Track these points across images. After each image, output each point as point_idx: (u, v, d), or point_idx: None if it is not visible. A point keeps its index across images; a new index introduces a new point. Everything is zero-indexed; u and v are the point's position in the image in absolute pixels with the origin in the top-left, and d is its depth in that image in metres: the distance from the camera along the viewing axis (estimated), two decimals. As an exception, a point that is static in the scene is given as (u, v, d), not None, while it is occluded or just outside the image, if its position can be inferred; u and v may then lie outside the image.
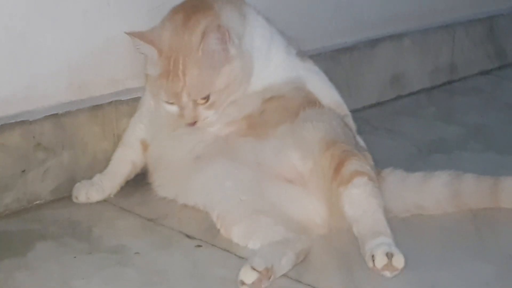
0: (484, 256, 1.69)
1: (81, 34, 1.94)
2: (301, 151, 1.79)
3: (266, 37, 1.89)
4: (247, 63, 1.83)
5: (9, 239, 1.72)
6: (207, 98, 1.77)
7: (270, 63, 1.89)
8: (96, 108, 1.96)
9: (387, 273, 1.57)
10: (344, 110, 1.99)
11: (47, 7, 1.86)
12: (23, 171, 1.84)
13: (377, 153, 1.96)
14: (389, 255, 1.57)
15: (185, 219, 1.81)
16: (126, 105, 2.00)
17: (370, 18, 2.68)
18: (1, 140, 1.79)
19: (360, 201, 1.69)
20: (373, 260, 1.57)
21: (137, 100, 1.97)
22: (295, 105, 1.88)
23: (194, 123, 1.79)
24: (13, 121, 1.82)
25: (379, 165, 1.90)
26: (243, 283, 1.50)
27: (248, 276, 1.50)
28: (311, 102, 1.91)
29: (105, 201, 1.89)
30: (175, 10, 1.83)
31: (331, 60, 2.47)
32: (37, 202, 1.88)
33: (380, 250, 1.58)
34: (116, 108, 1.99)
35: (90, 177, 1.92)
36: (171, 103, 1.79)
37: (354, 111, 2.05)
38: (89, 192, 1.88)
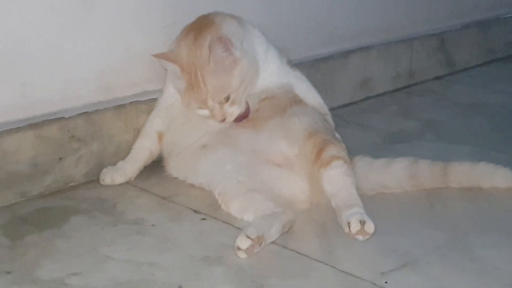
0: (436, 225, 1.69)
1: (107, 46, 1.93)
2: (288, 140, 1.79)
3: (263, 46, 1.88)
4: (252, 60, 1.81)
5: (49, 213, 1.71)
6: (228, 97, 1.76)
7: (267, 69, 1.88)
8: (119, 107, 1.95)
9: (360, 237, 1.58)
10: (325, 110, 1.98)
11: (79, 24, 1.85)
12: (60, 158, 1.83)
13: (350, 142, 1.95)
14: (362, 222, 1.58)
15: (192, 197, 1.80)
16: (144, 104, 1.98)
17: (343, 33, 2.67)
18: (42, 133, 1.78)
19: (337, 179, 1.69)
20: (349, 226, 1.58)
21: (153, 100, 1.96)
22: (284, 103, 1.87)
23: (224, 120, 1.78)
24: (52, 117, 1.82)
25: (351, 152, 1.88)
26: (239, 248, 1.50)
27: (243, 242, 1.50)
28: (297, 101, 1.90)
29: (127, 183, 1.88)
30: (187, 30, 1.81)
31: (311, 67, 2.45)
32: (72, 184, 1.87)
33: (355, 218, 1.59)
34: (136, 107, 1.97)
35: (115, 164, 1.90)
36: (201, 108, 1.78)
37: (330, 109, 2.04)
38: (114, 176, 1.87)
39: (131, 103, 1.97)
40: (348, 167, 1.73)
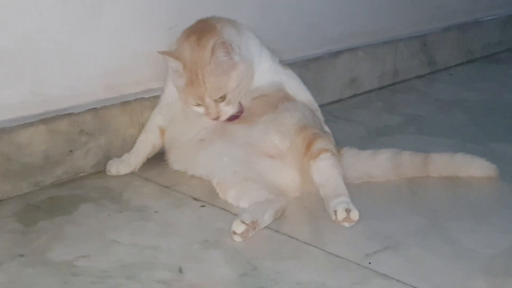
0: (417, 211, 1.69)
1: (114, 46, 1.92)
2: (281, 133, 1.78)
3: (257, 47, 1.87)
4: (249, 65, 1.80)
5: (60, 201, 1.71)
6: (224, 97, 1.75)
7: (260, 68, 1.87)
8: (125, 104, 1.94)
9: (346, 224, 1.58)
10: (315, 106, 1.97)
11: (87, 27, 1.85)
12: (71, 151, 1.83)
13: (339, 136, 1.96)
14: (348, 210, 1.58)
15: (192, 186, 1.80)
16: (148, 101, 1.97)
17: (333, 36, 2.67)
18: (53, 127, 1.78)
19: (325, 171, 1.69)
20: (335, 214, 1.58)
21: (157, 97, 1.95)
22: (276, 100, 1.87)
23: (217, 118, 1.78)
24: (62, 113, 1.81)
25: (340, 144, 1.89)
26: (234, 232, 1.50)
27: (238, 227, 1.50)
28: (288, 98, 1.90)
29: (132, 173, 1.88)
30: (188, 33, 1.79)
31: (303, 67, 2.45)
32: (81, 174, 1.87)
33: (341, 206, 1.58)
34: (141, 103, 1.97)
35: (121, 156, 1.90)
36: (198, 105, 1.77)
37: (321, 106, 2.03)
38: (119, 167, 1.87)
39: (136, 99, 1.96)
40: (336, 159, 1.72)
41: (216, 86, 1.74)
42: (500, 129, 2.35)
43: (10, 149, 1.70)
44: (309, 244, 1.51)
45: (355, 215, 1.57)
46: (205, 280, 1.35)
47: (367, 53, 2.78)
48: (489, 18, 3.56)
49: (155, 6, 2.00)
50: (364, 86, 2.80)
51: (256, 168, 1.75)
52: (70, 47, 1.83)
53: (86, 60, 1.87)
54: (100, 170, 1.89)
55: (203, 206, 1.70)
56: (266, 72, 1.89)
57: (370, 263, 1.42)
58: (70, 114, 1.82)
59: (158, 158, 1.92)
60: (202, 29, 1.78)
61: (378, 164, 1.85)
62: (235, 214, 1.59)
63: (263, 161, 1.77)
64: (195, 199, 1.73)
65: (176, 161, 1.87)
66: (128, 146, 1.92)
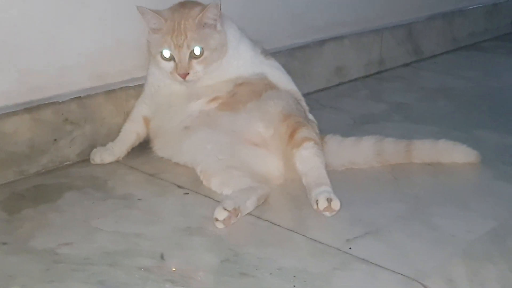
0: (399, 197, 1.69)
1: (98, 36, 1.90)
2: (265, 121, 1.77)
3: (236, 37, 1.85)
4: (224, 41, 1.80)
5: (44, 190, 1.70)
6: (201, 54, 1.74)
7: (240, 57, 1.85)
8: (110, 92, 1.92)
9: (327, 213, 1.57)
10: (298, 96, 1.95)
11: (72, 15, 1.83)
12: (55, 139, 1.81)
13: (325, 124, 1.95)
14: (329, 200, 1.56)
15: (177, 174, 1.78)
16: (133, 90, 1.96)
17: (319, 25, 2.65)
18: (38, 116, 1.76)
19: (308, 159, 1.68)
20: (317, 204, 1.57)
21: (141, 86, 1.94)
22: (259, 88, 1.85)
23: (186, 75, 1.75)
24: (47, 102, 1.79)
25: (326, 132, 1.88)
26: (217, 219, 1.50)
27: (220, 214, 1.49)
28: (272, 86, 1.88)
29: (118, 162, 1.86)
30: (171, 8, 1.80)
31: (289, 56, 2.44)
32: (66, 163, 1.85)
33: (322, 196, 1.57)
34: (126, 92, 1.95)
35: (106, 144, 1.88)
36: (169, 60, 1.75)
37: (307, 94, 2.04)
38: (103, 155, 1.85)
39: (121, 88, 1.94)
40: (318, 148, 1.71)
41: (196, 37, 1.73)
42: (484, 117, 2.34)
43: (-6, 138, 1.69)
44: (291, 230, 1.50)
45: (336, 204, 1.56)
46: (186, 267, 1.34)
47: (353, 42, 2.77)
48: (474, 7, 3.55)
49: (139, -5, 1.98)
50: (350, 74, 2.79)
51: (240, 156, 1.73)
52: (55, 36, 1.81)
53: (70, 49, 1.85)
54: (85, 159, 1.87)
55: (187, 193, 1.69)
56: (248, 62, 1.88)
57: (350, 248, 1.41)
58: (54, 103, 1.80)
59: (143, 146, 1.91)
60: (186, 3, 1.79)
61: (361, 151, 1.84)
62: (219, 201, 1.57)
63: (246, 149, 1.75)
64: (179, 186, 1.72)
65: (160, 148, 1.86)
66: (113, 135, 1.91)
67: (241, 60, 1.86)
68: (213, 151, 1.73)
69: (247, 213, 1.56)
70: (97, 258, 1.37)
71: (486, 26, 3.64)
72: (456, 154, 1.86)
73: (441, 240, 1.47)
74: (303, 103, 1.95)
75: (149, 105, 1.89)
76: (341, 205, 1.56)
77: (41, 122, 1.77)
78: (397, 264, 1.36)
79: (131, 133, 1.89)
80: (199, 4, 1.80)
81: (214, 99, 1.83)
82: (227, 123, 1.78)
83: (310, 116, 1.92)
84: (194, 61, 1.74)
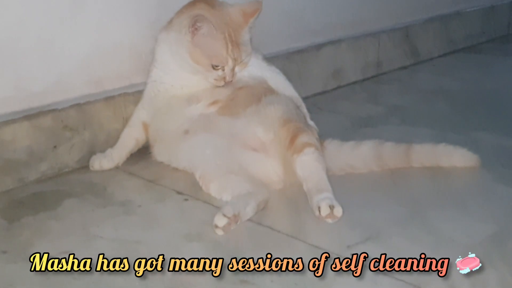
0: (398, 201, 1.67)
1: (96, 41, 1.89)
2: (264, 126, 1.75)
3: None
4: None
5: (44, 197, 1.68)
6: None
7: None
8: (109, 98, 1.91)
9: (329, 220, 1.54)
10: (299, 101, 1.94)
11: (69, 21, 1.82)
12: (55, 146, 1.80)
13: (323, 127, 1.93)
14: (331, 207, 1.54)
15: (176, 179, 1.77)
16: (132, 96, 1.95)
17: (316, 28, 2.64)
18: (37, 123, 1.75)
19: (309, 165, 1.66)
20: (319, 210, 1.54)
21: (140, 92, 1.92)
22: (259, 92, 1.84)
23: (230, 82, 1.81)
24: (46, 109, 1.78)
25: (324, 136, 1.86)
26: (216, 226, 1.48)
27: (220, 220, 1.48)
28: (272, 91, 1.87)
29: (117, 168, 1.85)
30: (188, 5, 1.82)
31: (287, 59, 2.43)
32: (65, 170, 1.83)
33: (324, 202, 1.55)
34: (124, 98, 1.94)
35: (105, 151, 1.86)
36: (218, 69, 1.78)
37: (305, 97, 2.02)
38: (102, 162, 1.84)
39: (119, 94, 1.93)
40: (319, 154, 1.69)
41: (247, 50, 1.80)
42: (482, 119, 2.33)
43: (-7, 145, 1.67)
44: (291, 236, 1.48)
45: (338, 211, 1.53)
46: (186, 273, 1.33)
47: (350, 45, 2.76)
48: (471, 9, 3.55)
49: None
50: (348, 77, 2.78)
51: (239, 161, 1.72)
52: (52, 42, 1.80)
53: (68, 55, 1.84)
54: (84, 165, 1.85)
55: (186, 199, 1.67)
56: (250, 67, 1.87)
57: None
58: (53, 110, 1.79)
59: (142, 152, 1.89)
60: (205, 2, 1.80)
61: (361, 155, 1.82)
62: (218, 207, 1.56)
63: (246, 154, 1.74)
64: (178, 192, 1.71)
65: (159, 153, 1.85)
66: (112, 141, 1.89)
67: None
68: (212, 156, 1.71)
69: (247, 219, 1.55)
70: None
71: (483, 28, 3.64)
72: (456, 158, 1.84)
73: (441, 244, 1.45)
74: (304, 109, 1.94)
75: (148, 111, 1.88)
76: (342, 211, 1.54)
77: (40, 129, 1.75)
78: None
79: (130, 139, 1.88)
80: (229, 4, 1.81)
81: (214, 102, 1.82)
82: (227, 128, 1.77)
83: (311, 123, 1.91)
84: (237, 68, 1.80)
